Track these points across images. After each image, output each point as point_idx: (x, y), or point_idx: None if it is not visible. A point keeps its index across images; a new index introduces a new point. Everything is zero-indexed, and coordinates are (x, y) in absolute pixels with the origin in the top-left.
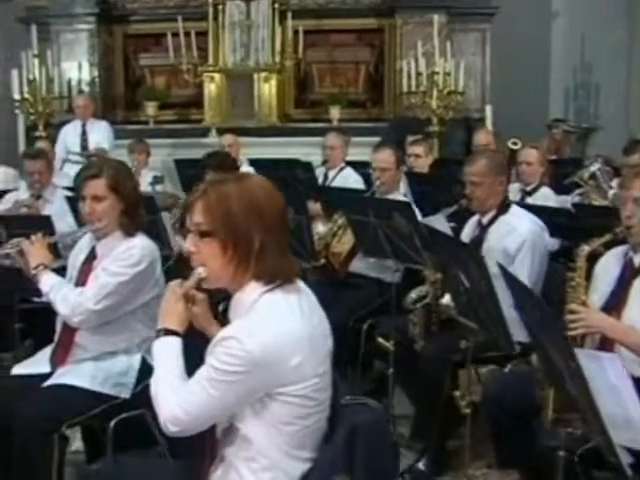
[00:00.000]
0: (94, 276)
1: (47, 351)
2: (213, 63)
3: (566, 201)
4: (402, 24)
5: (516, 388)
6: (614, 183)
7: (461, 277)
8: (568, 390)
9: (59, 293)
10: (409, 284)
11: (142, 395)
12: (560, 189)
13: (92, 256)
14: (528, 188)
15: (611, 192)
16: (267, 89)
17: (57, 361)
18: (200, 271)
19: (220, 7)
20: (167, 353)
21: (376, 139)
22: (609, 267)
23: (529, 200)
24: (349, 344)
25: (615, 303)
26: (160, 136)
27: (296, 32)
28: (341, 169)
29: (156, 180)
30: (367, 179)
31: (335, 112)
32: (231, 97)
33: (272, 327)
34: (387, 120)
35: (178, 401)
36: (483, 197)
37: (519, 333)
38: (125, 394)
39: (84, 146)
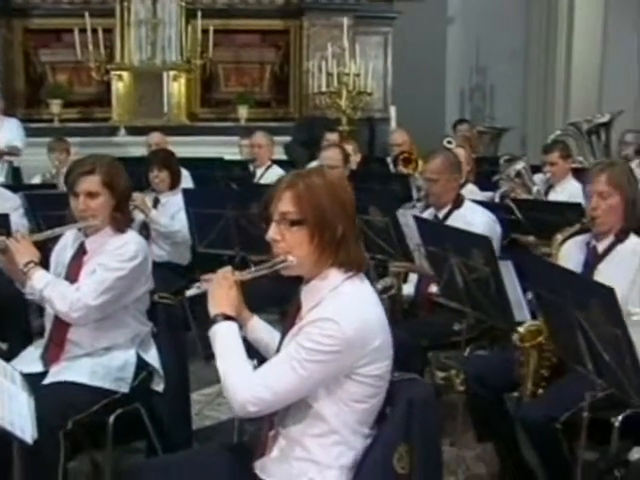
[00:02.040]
0: (87, 271)
1: (32, 350)
2: (120, 61)
3: (490, 197)
4: (309, 26)
5: (496, 367)
6: (536, 179)
7: (460, 264)
8: (599, 356)
9: (55, 290)
10: None
11: (137, 390)
12: (481, 185)
13: (81, 252)
14: None
15: (535, 188)
16: (176, 88)
17: (50, 359)
18: (291, 259)
19: (126, 4)
20: (231, 337)
21: (285, 138)
22: (571, 254)
23: None
24: None
25: None
26: (65, 135)
27: (205, 31)
28: (268, 167)
29: None
30: None
31: (243, 111)
32: (138, 96)
33: (362, 310)
34: (293, 120)
35: (261, 382)
36: (439, 192)
37: (518, 314)
38: (124, 389)
39: None
